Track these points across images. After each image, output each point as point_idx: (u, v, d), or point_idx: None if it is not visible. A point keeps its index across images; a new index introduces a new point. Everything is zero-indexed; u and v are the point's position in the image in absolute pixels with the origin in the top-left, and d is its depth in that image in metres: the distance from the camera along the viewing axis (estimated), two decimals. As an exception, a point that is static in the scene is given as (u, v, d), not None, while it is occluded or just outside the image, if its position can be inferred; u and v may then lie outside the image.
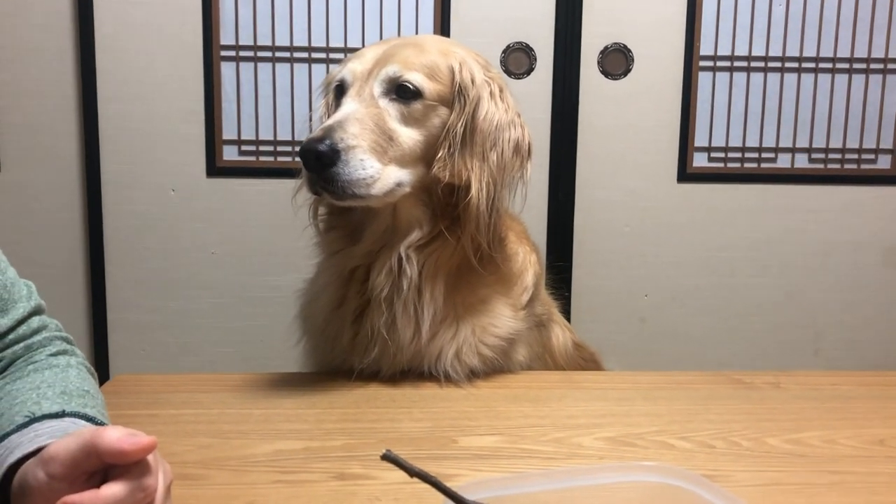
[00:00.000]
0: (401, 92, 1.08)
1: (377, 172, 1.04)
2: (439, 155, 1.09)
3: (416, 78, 1.08)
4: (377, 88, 1.09)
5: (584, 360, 1.43)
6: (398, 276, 1.13)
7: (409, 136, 1.09)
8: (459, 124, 1.09)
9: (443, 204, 1.12)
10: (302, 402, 1.07)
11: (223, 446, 0.93)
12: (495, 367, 1.19)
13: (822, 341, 2.47)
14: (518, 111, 1.16)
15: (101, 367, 2.40)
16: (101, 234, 2.33)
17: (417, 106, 1.09)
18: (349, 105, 1.08)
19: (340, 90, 1.13)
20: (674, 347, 2.47)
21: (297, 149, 1.06)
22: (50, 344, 0.85)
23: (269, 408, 1.05)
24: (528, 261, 1.26)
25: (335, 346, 1.20)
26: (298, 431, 0.97)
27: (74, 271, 2.37)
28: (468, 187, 1.09)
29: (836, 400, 1.11)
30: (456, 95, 1.11)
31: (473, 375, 1.17)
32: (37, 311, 0.86)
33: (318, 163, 1.01)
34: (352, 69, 1.12)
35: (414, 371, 1.17)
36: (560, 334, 1.34)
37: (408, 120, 1.09)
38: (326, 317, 1.21)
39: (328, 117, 1.12)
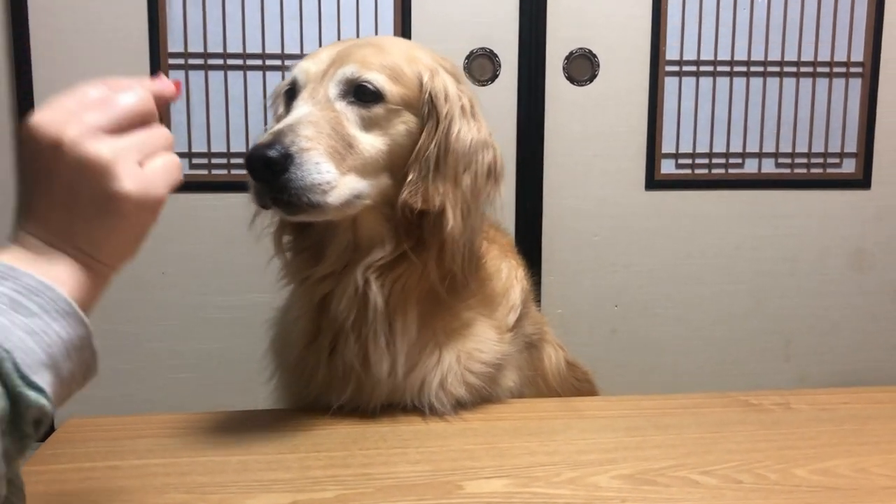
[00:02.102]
0: (360, 94, 0.98)
1: (334, 179, 0.92)
2: (410, 178, 0.98)
3: (376, 78, 0.97)
4: (333, 90, 0.98)
5: (578, 381, 1.35)
6: (363, 304, 1.02)
7: (371, 144, 0.98)
8: (433, 145, 0.98)
9: (405, 222, 1.01)
10: (283, 446, 0.97)
11: None
12: (483, 395, 1.10)
13: (793, 347, 2.45)
14: (490, 130, 1.07)
15: (44, 398, 2.23)
16: (41, 255, 2.17)
17: (379, 110, 0.98)
18: (302, 108, 0.96)
19: (292, 94, 1.02)
20: (645, 358, 2.41)
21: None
22: None
23: (246, 453, 0.94)
24: (513, 277, 1.18)
25: (310, 383, 1.09)
26: (283, 482, 0.87)
27: (12, 296, 2.20)
28: (440, 213, 0.98)
29: (853, 421, 1.05)
30: (428, 113, 1.00)
31: (460, 406, 1.07)
32: None
33: (268, 171, 0.89)
34: (304, 69, 1.01)
35: (396, 405, 1.07)
36: (553, 354, 1.26)
37: (368, 125, 0.98)
38: (300, 352, 1.10)
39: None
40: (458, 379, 1.06)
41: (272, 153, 0.88)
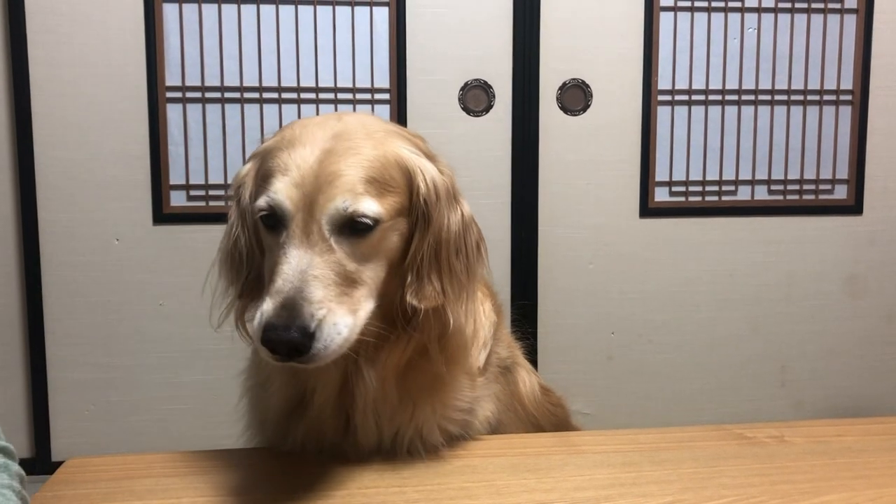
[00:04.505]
0: (355, 226, 0.93)
1: (351, 328, 0.91)
2: (409, 280, 0.98)
3: (370, 208, 0.92)
4: (327, 226, 0.92)
5: (553, 406, 1.35)
6: (347, 386, 1.02)
7: (372, 271, 0.95)
8: (426, 247, 0.98)
9: (393, 307, 1.00)
10: (282, 485, 0.97)
11: (200, 545, 0.83)
12: (461, 439, 1.10)
13: (789, 373, 2.46)
14: (467, 205, 1.05)
15: (42, 430, 2.24)
16: (39, 287, 2.19)
17: (376, 235, 0.94)
18: (300, 255, 0.91)
19: (273, 220, 0.94)
20: (642, 384, 2.42)
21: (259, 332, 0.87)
22: None
23: (245, 493, 0.95)
24: (482, 316, 1.16)
25: (289, 443, 1.09)
26: (283, 522, 0.87)
27: (11, 328, 2.21)
28: (441, 309, 0.99)
29: (846, 454, 1.06)
30: (420, 216, 0.98)
31: (438, 449, 1.07)
32: None
33: (294, 352, 0.87)
34: (288, 196, 0.92)
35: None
36: (527, 379, 1.26)
37: (367, 255, 0.95)
38: (279, 421, 1.09)
39: (244, 239, 1.01)
40: (434, 429, 1.06)
41: (295, 336, 0.85)
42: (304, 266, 0.90)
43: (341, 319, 0.90)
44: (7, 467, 0.76)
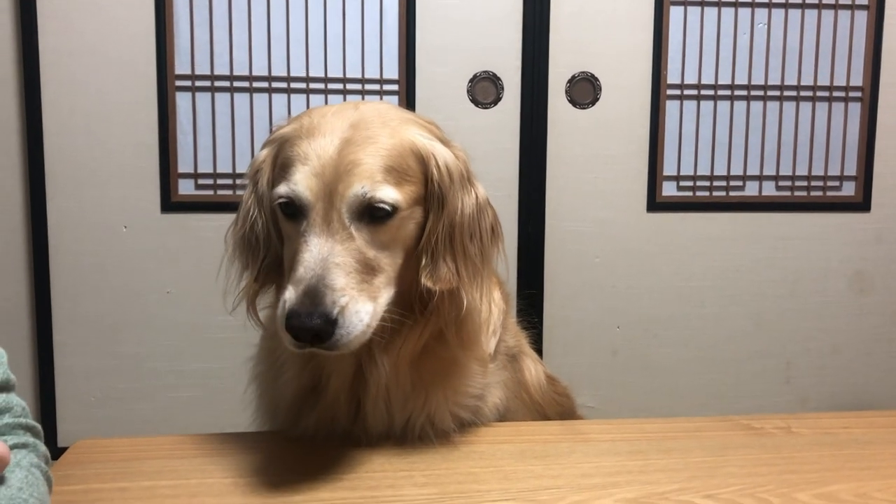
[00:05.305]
0: (373, 212, 0.94)
1: (372, 315, 0.93)
2: (423, 262, 0.99)
3: (388, 195, 0.93)
4: (347, 214, 0.93)
5: (559, 395, 1.36)
6: (362, 374, 1.04)
7: (390, 257, 0.97)
8: (441, 229, 0.99)
9: (411, 291, 1.02)
10: (291, 468, 0.98)
11: (209, 525, 0.83)
12: (472, 425, 1.11)
13: (794, 369, 2.46)
14: (482, 189, 1.06)
15: (48, 417, 2.25)
16: (47, 275, 2.19)
17: (394, 223, 0.96)
18: (321, 244, 0.92)
19: (292, 207, 0.95)
20: (647, 379, 2.42)
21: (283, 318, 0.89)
22: (9, 433, 0.74)
23: (254, 475, 0.95)
24: (492, 304, 1.17)
25: (300, 428, 1.10)
26: (292, 504, 0.88)
27: (18, 315, 2.22)
28: (455, 290, 1.01)
29: (853, 445, 1.06)
30: (435, 200, 0.99)
31: (449, 435, 1.08)
32: (2, 388, 0.75)
33: (317, 339, 0.88)
34: (308, 186, 0.93)
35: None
36: (532, 368, 1.27)
37: (385, 241, 0.96)
38: (290, 407, 1.10)
39: (262, 223, 1.02)
40: (446, 415, 1.07)
41: (317, 323, 0.87)
42: (325, 254, 0.91)
43: (363, 307, 0.91)
44: (36, 447, 0.76)
